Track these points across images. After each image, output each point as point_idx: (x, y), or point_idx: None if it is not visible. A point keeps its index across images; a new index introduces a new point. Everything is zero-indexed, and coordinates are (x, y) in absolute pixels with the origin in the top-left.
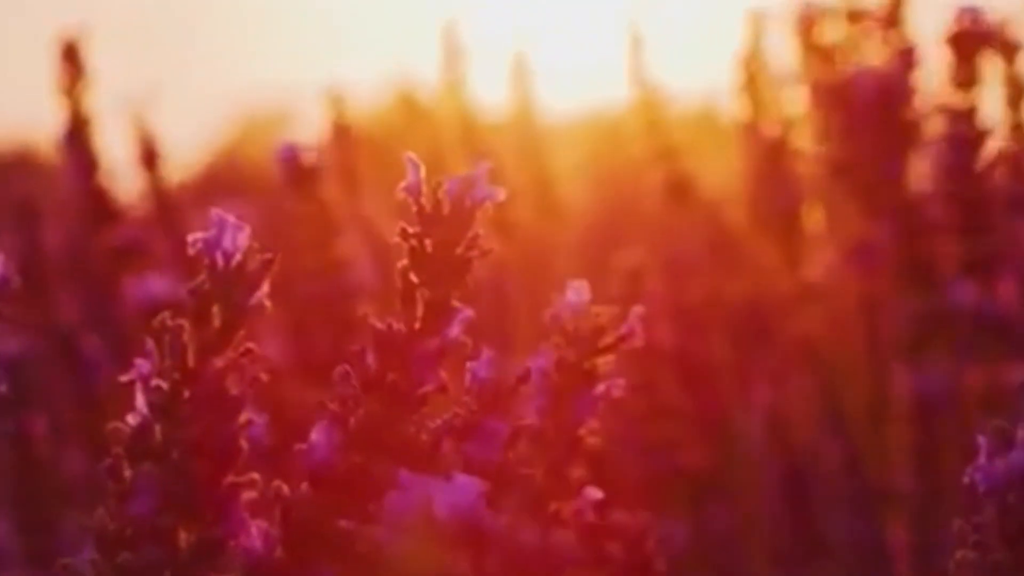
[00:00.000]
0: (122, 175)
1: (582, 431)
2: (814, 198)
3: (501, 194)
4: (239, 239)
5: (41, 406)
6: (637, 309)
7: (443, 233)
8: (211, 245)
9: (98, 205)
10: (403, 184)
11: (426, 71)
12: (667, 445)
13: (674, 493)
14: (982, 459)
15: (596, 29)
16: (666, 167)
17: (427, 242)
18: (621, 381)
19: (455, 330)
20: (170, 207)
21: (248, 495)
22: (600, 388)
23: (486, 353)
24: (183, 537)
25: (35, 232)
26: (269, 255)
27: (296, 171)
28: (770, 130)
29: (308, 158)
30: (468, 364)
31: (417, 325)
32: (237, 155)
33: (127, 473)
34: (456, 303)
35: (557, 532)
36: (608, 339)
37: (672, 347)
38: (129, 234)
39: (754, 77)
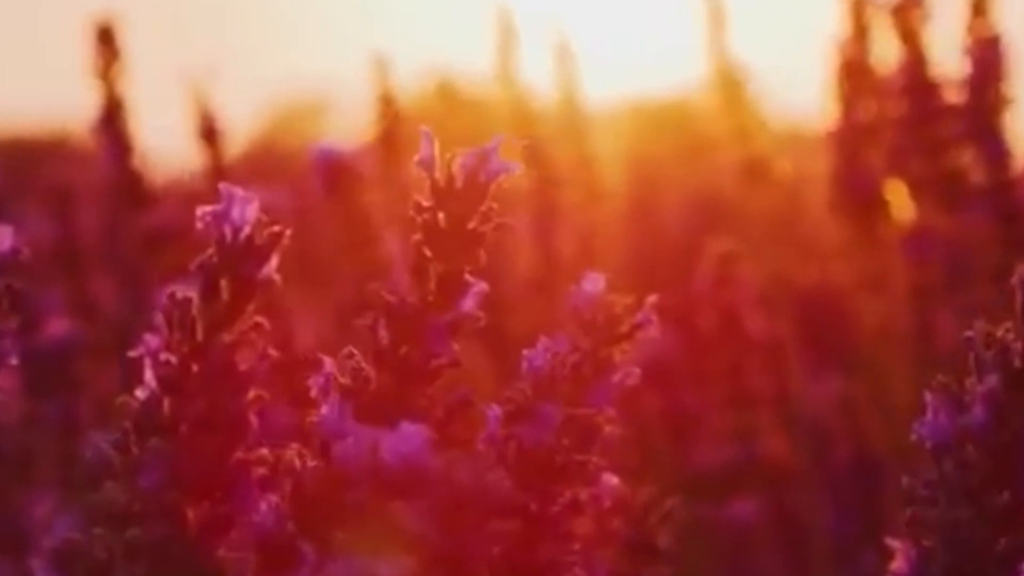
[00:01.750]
0: (162, 156)
1: (600, 418)
2: (897, 184)
3: (516, 168)
4: (248, 212)
5: (83, 390)
6: (651, 299)
7: (456, 207)
8: (219, 218)
9: (133, 189)
10: (416, 158)
11: (476, 58)
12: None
13: (749, 477)
14: (929, 415)
15: (652, 16)
16: (745, 147)
17: (440, 216)
18: (637, 370)
19: (468, 303)
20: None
21: (257, 470)
22: (617, 376)
23: (543, 341)
24: (191, 513)
25: (70, 216)
26: (278, 228)
27: (332, 175)
28: (857, 116)
29: (345, 160)
30: (524, 352)
31: (430, 298)
32: (275, 142)
33: (135, 448)
34: (469, 277)
35: (495, 474)
36: (624, 328)
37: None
38: (164, 217)
39: (850, 64)
